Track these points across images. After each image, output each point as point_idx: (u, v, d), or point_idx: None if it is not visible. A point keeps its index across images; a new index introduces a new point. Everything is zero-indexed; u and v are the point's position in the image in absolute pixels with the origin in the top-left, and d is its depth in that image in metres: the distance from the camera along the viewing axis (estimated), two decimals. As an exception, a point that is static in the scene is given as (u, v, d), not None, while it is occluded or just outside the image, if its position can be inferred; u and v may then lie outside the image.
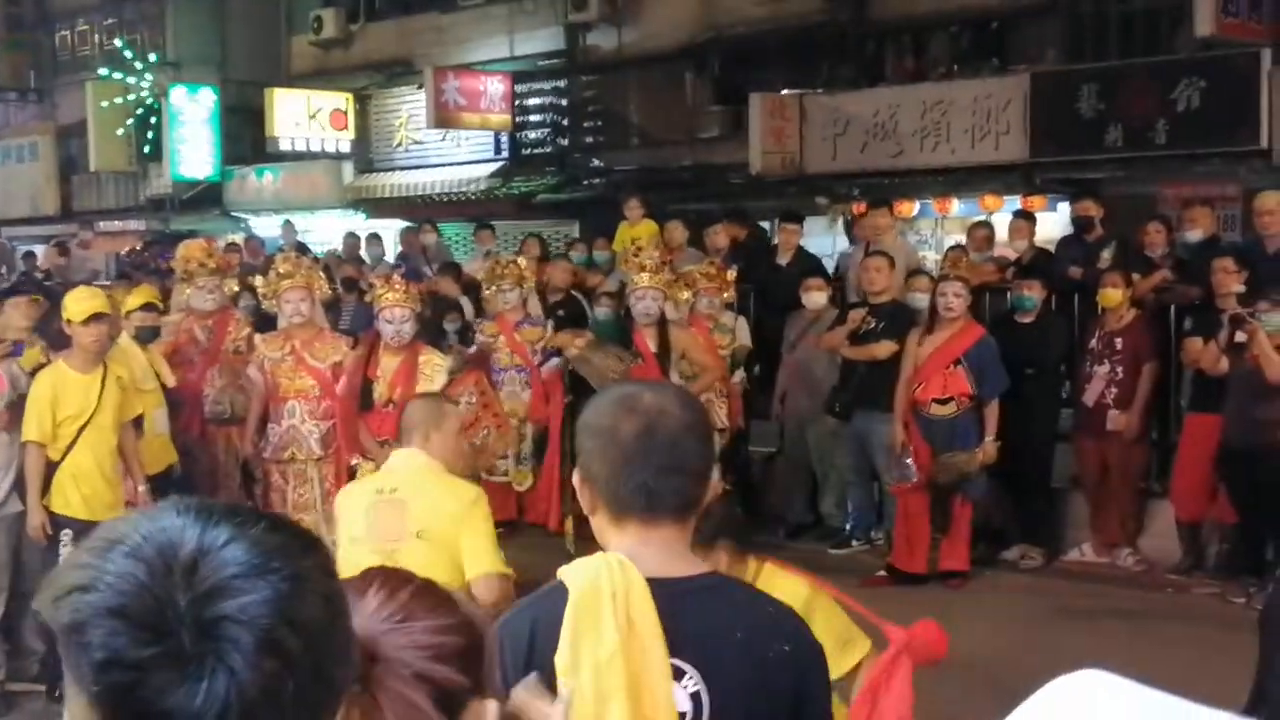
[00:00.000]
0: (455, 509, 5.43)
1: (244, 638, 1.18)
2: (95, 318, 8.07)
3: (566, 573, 2.51)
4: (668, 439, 2.53)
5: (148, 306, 9.71)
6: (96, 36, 30.02)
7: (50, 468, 8.01)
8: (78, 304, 8.16)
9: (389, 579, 1.80)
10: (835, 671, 3.87)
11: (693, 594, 2.53)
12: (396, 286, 9.22)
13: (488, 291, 12.16)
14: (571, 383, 9.96)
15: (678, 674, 2.46)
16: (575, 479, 2.64)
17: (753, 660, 2.53)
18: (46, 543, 7.99)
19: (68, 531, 7.90)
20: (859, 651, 4.62)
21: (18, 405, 8.12)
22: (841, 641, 4.54)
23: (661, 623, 2.40)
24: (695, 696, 2.49)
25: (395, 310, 9.01)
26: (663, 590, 2.42)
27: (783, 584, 4.47)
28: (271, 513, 1.38)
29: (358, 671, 1.66)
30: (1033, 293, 10.86)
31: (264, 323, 11.01)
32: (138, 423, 8.81)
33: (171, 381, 9.63)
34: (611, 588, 2.37)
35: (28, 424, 7.99)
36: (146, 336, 9.53)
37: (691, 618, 2.49)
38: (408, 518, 5.40)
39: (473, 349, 11.64)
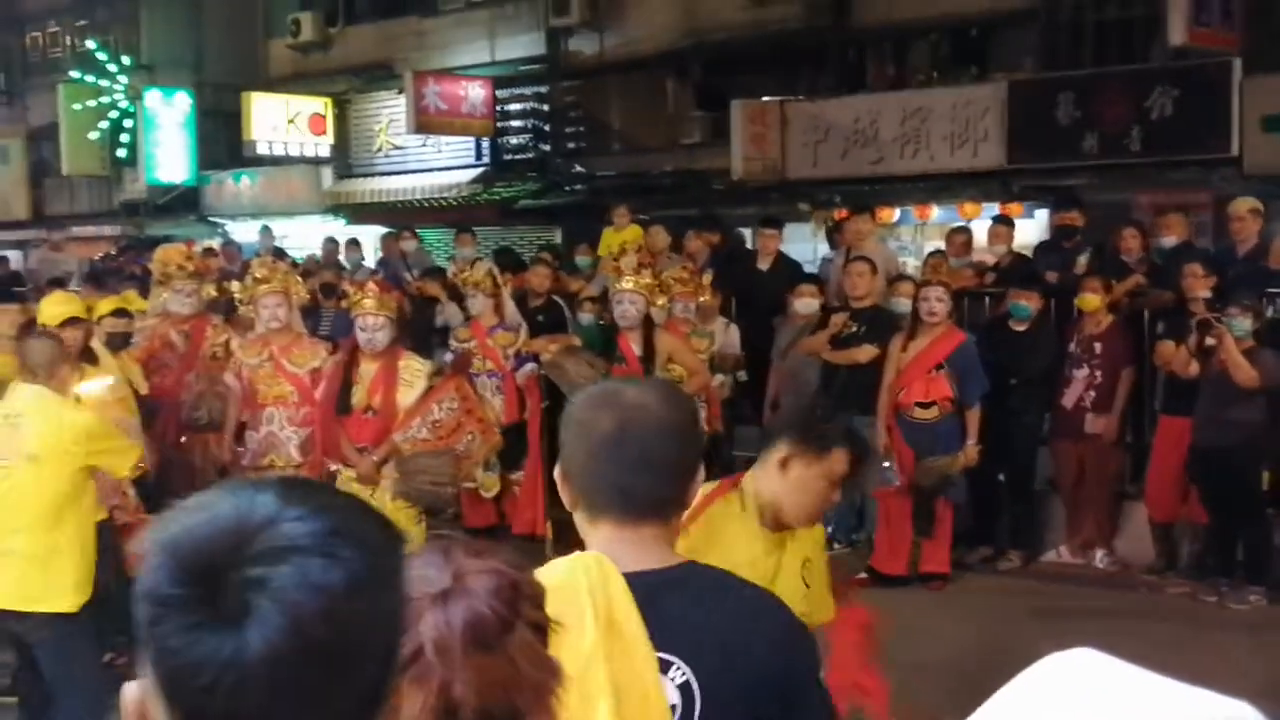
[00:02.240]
0: (71, 436, 6.30)
1: (271, 610, 1.21)
2: (69, 322, 8.16)
3: (541, 573, 2.35)
4: (640, 436, 2.49)
5: (119, 313, 9.65)
6: (68, 38, 29.61)
7: None
8: (52, 308, 8.26)
9: (461, 544, 1.87)
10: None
11: (670, 584, 2.51)
12: (370, 293, 9.17)
13: (467, 294, 12.16)
14: (548, 387, 9.94)
15: (664, 666, 2.43)
16: (556, 474, 2.62)
17: (738, 645, 2.52)
18: None
19: None
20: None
21: None
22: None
23: (642, 616, 2.34)
24: (684, 687, 2.48)
25: (368, 318, 8.94)
26: (639, 583, 2.35)
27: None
28: (363, 501, 1.41)
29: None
30: (1030, 303, 10.88)
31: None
32: None
33: (144, 388, 9.57)
34: (589, 584, 2.30)
35: None
36: (117, 343, 9.48)
37: (672, 608, 2.46)
38: (21, 440, 6.19)
39: (449, 355, 11.59)
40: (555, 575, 2.28)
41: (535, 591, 1.83)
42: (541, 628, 1.80)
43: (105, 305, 9.78)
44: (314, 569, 1.23)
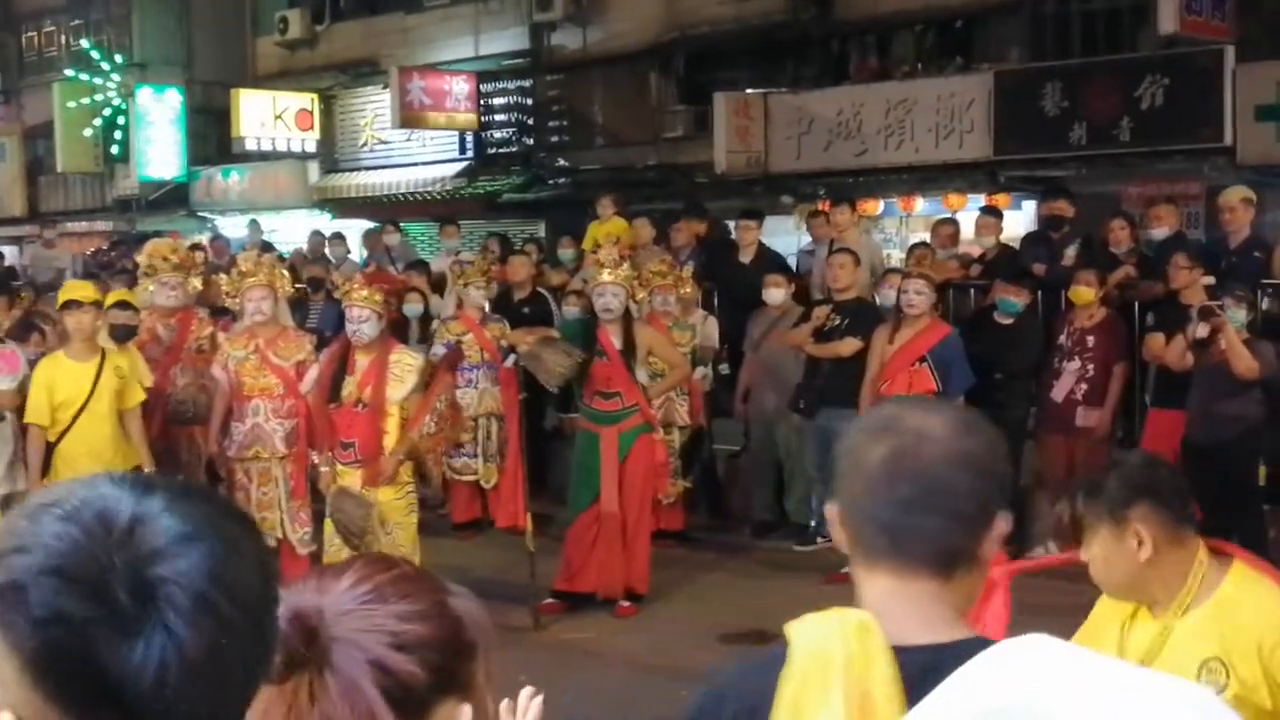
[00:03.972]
0: None
1: (180, 599, 1.19)
2: (68, 305, 8.64)
3: (794, 630, 2.03)
4: (918, 469, 2.07)
5: (124, 305, 9.68)
6: (63, 37, 29.91)
7: (48, 449, 8.62)
8: (61, 293, 8.91)
9: (372, 563, 1.76)
10: None
11: (949, 666, 1.96)
12: (357, 286, 9.18)
13: (458, 287, 12.16)
14: (525, 379, 9.95)
15: None
16: (831, 513, 2.21)
17: None
18: None
19: None
20: None
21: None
22: None
23: (907, 700, 1.88)
24: None
25: (354, 309, 8.97)
26: (911, 660, 1.95)
27: (1259, 594, 3.47)
28: (199, 484, 1.40)
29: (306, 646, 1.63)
30: (1019, 298, 10.85)
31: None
32: None
33: (149, 381, 9.62)
34: (846, 657, 1.93)
35: (27, 407, 8.59)
36: (121, 335, 9.50)
37: None
38: None
39: (434, 350, 11.56)
40: (808, 639, 1.97)
41: (412, 638, 1.67)
42: (406, 684, 1.64)
43: (111, 297, 9.85)
44: (199, 552, 1.22)
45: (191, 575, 1.21)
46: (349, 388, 8.95)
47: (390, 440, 8.90)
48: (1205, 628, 3.42)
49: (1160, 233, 11.69)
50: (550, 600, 9.54)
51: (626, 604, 9.61)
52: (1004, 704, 1.36)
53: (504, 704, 2.21)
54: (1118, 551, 3.42)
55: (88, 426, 8.57)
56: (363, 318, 8.92)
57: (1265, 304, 10.38)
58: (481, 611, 1.78)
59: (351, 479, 8.86)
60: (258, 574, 1.28)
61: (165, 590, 1.19)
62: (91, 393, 8.58)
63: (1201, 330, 9.52)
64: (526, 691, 2.30)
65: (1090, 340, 10.70)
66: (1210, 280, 10.12)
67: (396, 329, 12.22)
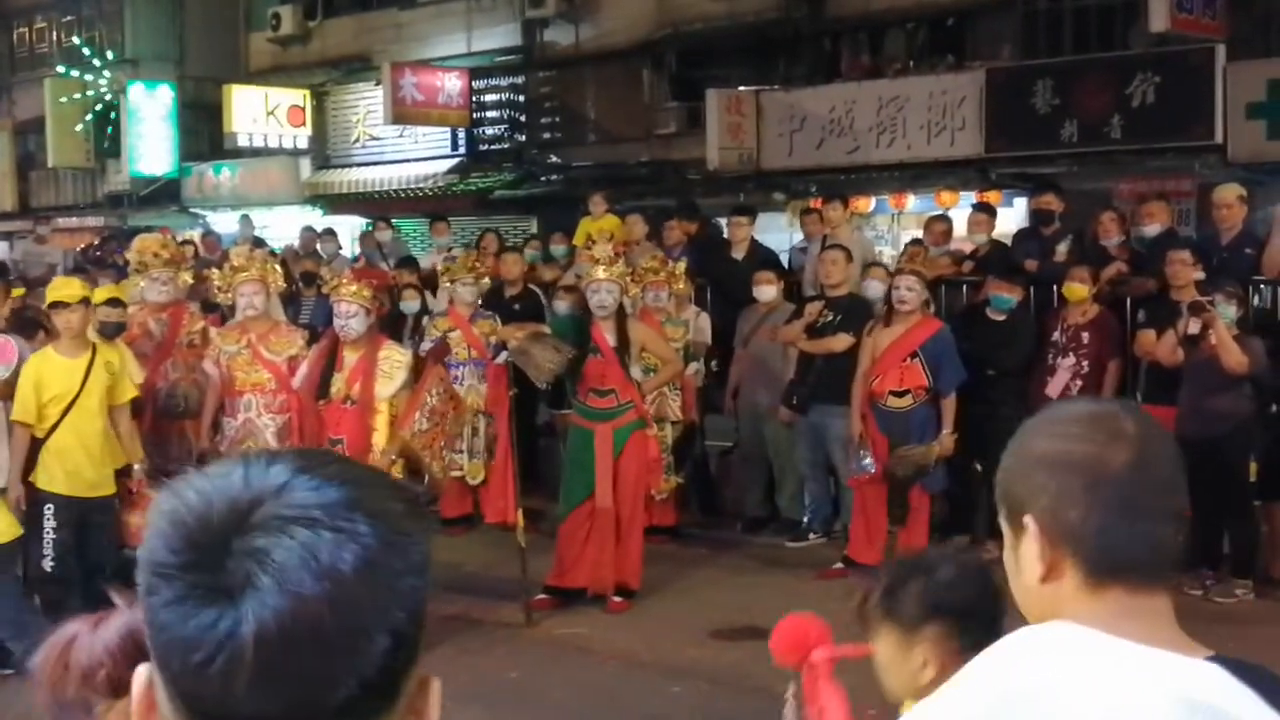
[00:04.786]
0: None
1: (270, 588, 1.14)
2: (55, 305, 8.51)
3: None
4: (1168, 476, 1.97)
5: (113, 302, 9.67)
6: (54, 34, 29.89)
7: (36, 445, 8.45)
8: (47, 293, 8.77)
9: None
10: None
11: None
12: (345, 281, 9.17)
13: (446, 286, 12.17)
14: (515, 375, 9.93)
15: None
16: (1030, 531, 1.96)
17: None
18: (26, 517, 8.34)
19: (50, 506, 8.43)
20: None
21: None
22: None
23: None
24: None
25: (341, 305, 8.94)
26: None
27: None
28: (386, 474, 1.33)
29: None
30: (1011, 294, 10.84)
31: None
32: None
33: (140, 378, 9.61)
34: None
35: (15, 404, 8.41)
36: (110, 331, 9.49)
37: None
38: None
39: (424, 347, 11.54)
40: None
41: None
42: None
43: (100, 295, 9.81)
44: (322, 544, 1.16)
45: (283, 558, 1.15)
46: (337, 384, 8.93)
47: (380, 438, 8.86)
48: None
49: (1152, 230, 11.67)
50: (542, 596, 9.53)
51: (618, 600, 9.60)
52: (1024, 687, 1.36)
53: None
54: (900, 663, 3.19)
55: (78, 422, 8.49)
56: (350, 313, 8.88)
57: (1256, 300, 10.37)
58: None
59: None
60: (366, 575, 1.18)
61: (254, 567, 1.14)
62: (82, 388, 8.51)
63: (1192, 326, 9.53)
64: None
65: (1085, 337, 10.68)
66: (1200, 276, 10.14)
67: (393, 325, 12.24)
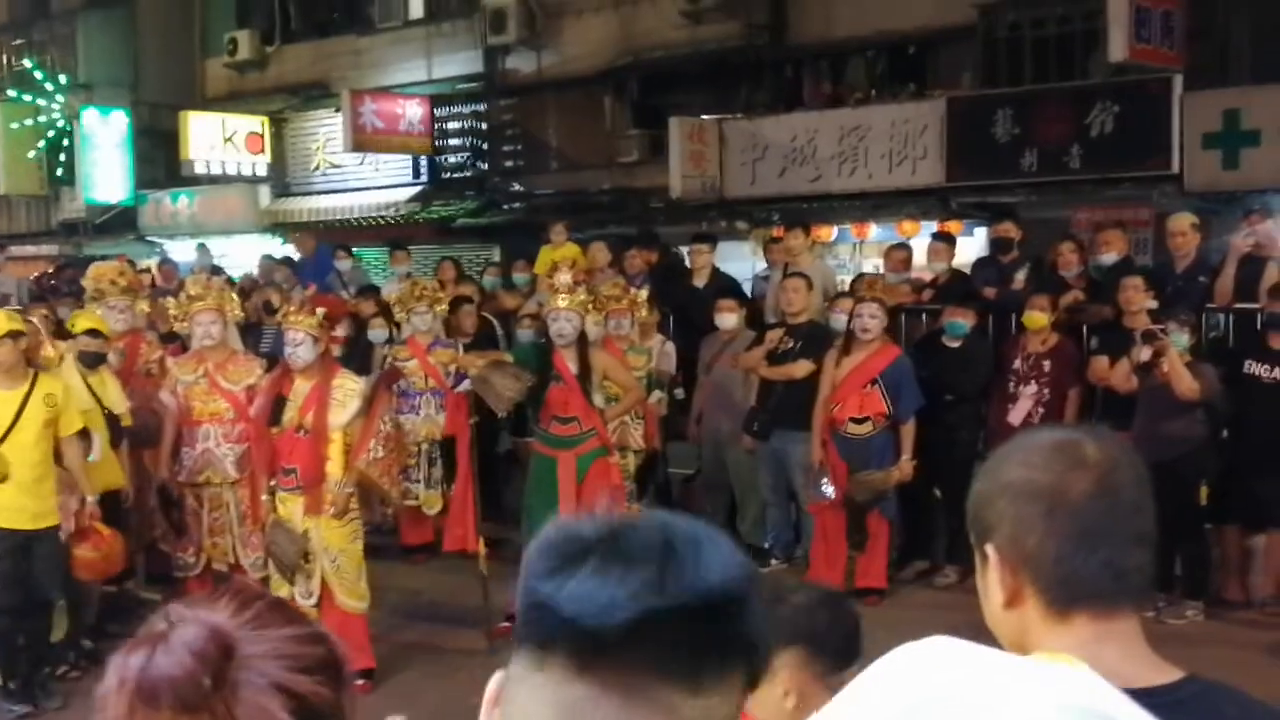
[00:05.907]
0: None
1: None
2: (7, 336, 8.34)
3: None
4: (1131, 501, 1.99)
5: (93, 332, 9.57)
6: (5, 57, 29.30)
7: None
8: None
9: (241, 591, 1.67)
10: None
11: (1184, 709, 1.89)
12: (294, 309, 9.08)
13: (400, 315, 12.14)
14: (476, 403, 9.90)
15: None
16: (991, 559, 2.01)
17: None
18: None
19: None
20: None
21: None
22: None
23: None
24: None
25: (289, 332, 8.84)
26: (1145, 704, 1.57)
27: None
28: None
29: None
30: (966, 320, 10.93)
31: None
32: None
33: (120, 408, 9.52)
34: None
35: None
36: (90, 360, 9.42)
37: None
38: None
39: (374, 374, 11.47)
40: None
41: (311, 660, 1.60)
42: (313, 706, 1.56)
43: (81, 323, 9.71)
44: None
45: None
46: (290, 412, 8.84)
47: (334, 467, 8.76)
48: None
49: (1109, 258, 11.76)
50: (505, 624, 9.49)
51: (581, 628, 9.53)
52: (926, 697, 1.35)
53: None
54: (765, 695, 3.06)
55: (9, 454, 8.34)
56: (297, 340, 8.76)
57: (1205, 328, 10.49)
58: (341, 640, 1.71)
59: (294, 505, 8.75)
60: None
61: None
62: (15, 421, 8.35)
63: (1145, 353, 9.66)
64: None
65: (1046, 365, 10.78)
66: (1153, 304, 10.25)
67: (361, 355, 12.19)
